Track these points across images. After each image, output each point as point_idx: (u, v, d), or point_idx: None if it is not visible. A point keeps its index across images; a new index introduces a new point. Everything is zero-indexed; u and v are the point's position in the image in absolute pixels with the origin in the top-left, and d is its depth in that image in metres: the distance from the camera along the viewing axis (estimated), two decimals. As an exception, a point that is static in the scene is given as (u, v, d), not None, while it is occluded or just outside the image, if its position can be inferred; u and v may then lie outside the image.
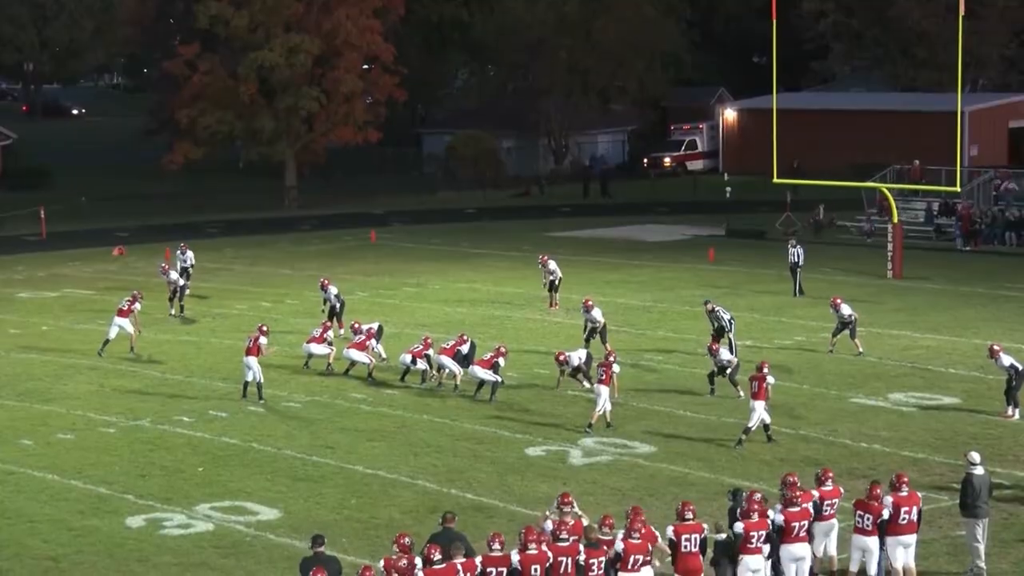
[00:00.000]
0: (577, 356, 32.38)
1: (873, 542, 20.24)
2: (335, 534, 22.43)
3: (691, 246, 55.85)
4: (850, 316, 35.32)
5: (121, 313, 36.54)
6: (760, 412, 27.69)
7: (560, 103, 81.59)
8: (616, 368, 29.79)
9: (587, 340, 35.74)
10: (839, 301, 35.88)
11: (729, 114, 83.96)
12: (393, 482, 25.92)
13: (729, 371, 31.59)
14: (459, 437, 28.82)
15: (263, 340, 32.03)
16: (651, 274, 48.97)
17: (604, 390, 29.10)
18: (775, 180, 49.91)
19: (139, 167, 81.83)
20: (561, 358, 32.14)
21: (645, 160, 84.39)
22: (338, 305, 38.52)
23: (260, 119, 72.64)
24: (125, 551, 22.58)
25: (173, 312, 41.31)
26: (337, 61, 72.93)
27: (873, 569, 20.31)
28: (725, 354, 32.14)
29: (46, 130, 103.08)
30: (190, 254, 44.94)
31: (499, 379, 31.73)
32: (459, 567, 18.16)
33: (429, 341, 33.61)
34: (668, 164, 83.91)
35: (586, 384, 31.81)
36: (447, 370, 32.62)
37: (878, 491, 20.32)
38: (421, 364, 33.02)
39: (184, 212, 66.73)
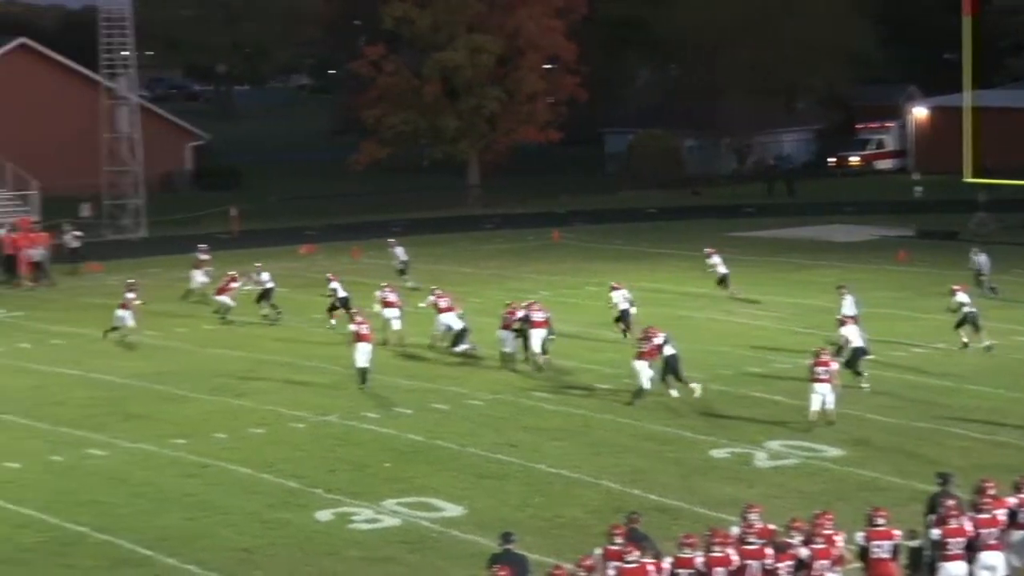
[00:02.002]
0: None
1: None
2: (519, 532, 22.40)
3: (879, 247, 54.89)
4: (964, 306, 34.64)
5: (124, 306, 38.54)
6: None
7: (743, 102, 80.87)
8: (669, 349, 30.76)
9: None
10: (958, 288, 35.42)
11: (920, 112, 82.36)
12: (576, 481, 25.92)
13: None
14: (642, 437, 28.72)
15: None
16: (838, 275, 48.00)
17: (642, 365, 30.18)
18: (967, 179, 48.82)
19: (326, 167, 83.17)
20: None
21: (832, 159, 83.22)
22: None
23: (444, 119, 73.30)
24: (315, 544, 22.93)
25: (264, 312, 41.61)
26: (520, 61, 73.27)
27: None
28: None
29: (237, 131, 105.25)
30: (400, 249, 47.13)
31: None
32: (650, 567, 18.11)
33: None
34: (855, 163, 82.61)
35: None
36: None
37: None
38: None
39: (369, 211, 67.63)
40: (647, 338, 31.42)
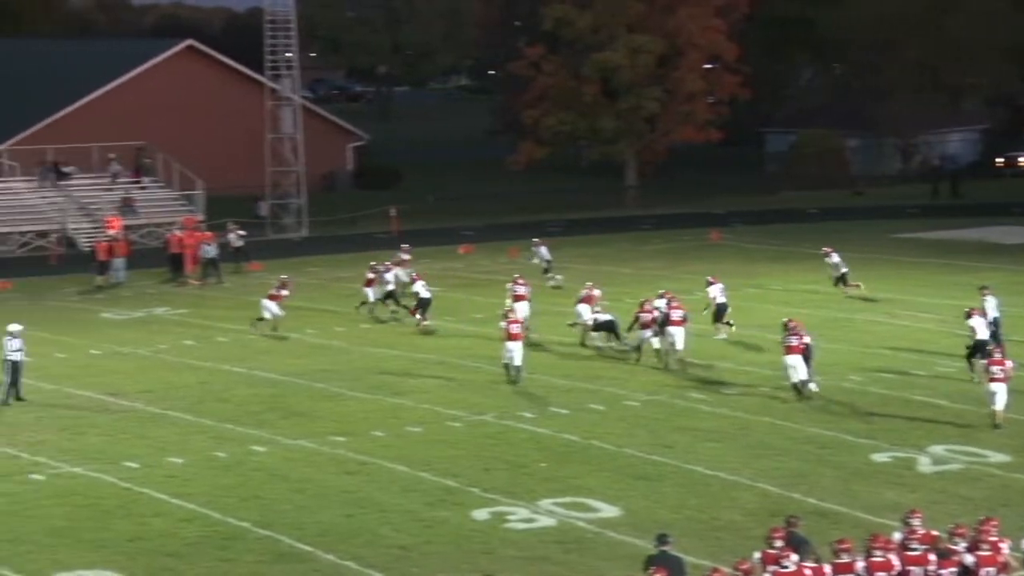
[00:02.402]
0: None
1: None
2: (676, 534, 22.21)
3: (1049, 249, 53.56)
4: None
5: (272, 298, 39.94)
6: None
7: (908, 101, 79.48)
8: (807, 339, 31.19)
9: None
10: None
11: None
12: (734, 484, 25.68)
13: None
14: (801, 440, 28.37)
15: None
16: (1004, 278, 46.99)
17: (794, 359, 30.77)
18: None
19: (484, 167, 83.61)
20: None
21: (1000, 159, 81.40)
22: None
23: (602, 119, 73.24)
24: (471, 543, 22.99)
25: (392, 310, 41.68)
26: (680, 61, 72.92)
27: None
28: None
29: (396, 131, 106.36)
30: (544, 249, 47.57)
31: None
32: (808, 572, 17.86)
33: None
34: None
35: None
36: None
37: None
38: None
39: (527, 211, 67.80)
40: (795, 332, 31.31)
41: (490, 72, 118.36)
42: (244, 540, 23.19)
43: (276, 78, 63.97)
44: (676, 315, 34.73)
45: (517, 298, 38.49)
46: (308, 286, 46.50)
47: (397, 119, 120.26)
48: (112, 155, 63.94)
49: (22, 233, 58.73)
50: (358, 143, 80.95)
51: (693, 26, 72.37)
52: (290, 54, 63.49)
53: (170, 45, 76.03)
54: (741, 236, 59.60)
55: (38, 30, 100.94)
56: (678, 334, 34.54)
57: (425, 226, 62.85)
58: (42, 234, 58.78)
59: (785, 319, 32.79)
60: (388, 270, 42.45)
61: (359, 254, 55.65)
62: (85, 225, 59.31)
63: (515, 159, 75.11)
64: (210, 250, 49.50)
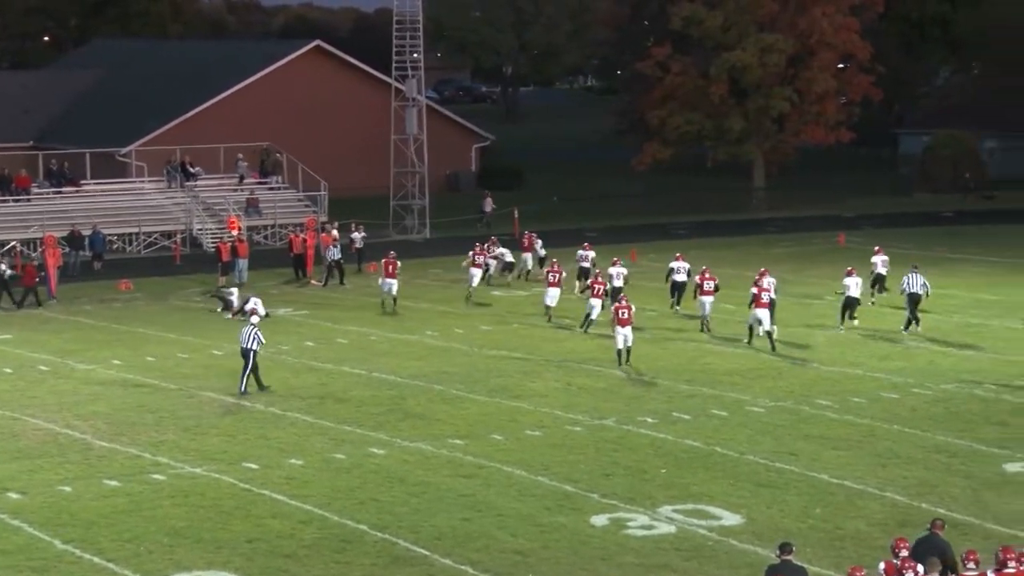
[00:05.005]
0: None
1: None
2: (799, 543, 21.72)
3: None
4: None
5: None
6: None
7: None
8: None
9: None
10: None
11: None
12: (860, 492, 25.07)
13: None
14: (930, 449, 27.65)
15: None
16: None
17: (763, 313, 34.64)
18: None
19: (608, 168, 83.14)
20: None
21: None
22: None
23: (730, 119, 72.39)
24: (589, 549, 22.65)
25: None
26: (811, 60, 71.84)
27: None
28: None
29: (521, 132, 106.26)
30: (591, 253, 47.88)
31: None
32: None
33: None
34: None
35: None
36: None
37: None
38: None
39: (651, 213, 67.23)
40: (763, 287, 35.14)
41: (617, 72, 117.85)
42: (360, 543, 23.04)
43: (402, 79, 63.99)
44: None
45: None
46: (429, 287, 46.37)
47: (522, 119, 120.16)
48: (240, 156, 64.47)
49: (147, 233, 59.35)
50: (482, 144, 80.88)
51: (826, 24, 71.20)
52: (417, 54, 63.48)
53: (298, 46, 76.42)
54: (871, 240, 58.39)
55: (168, 31, 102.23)
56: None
57: (547, 227, 62.46)
58: (167, 234, 59.41)
59: (762, 270, 36.27)
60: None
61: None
62: (210, 225, 59.82)
63: (640, 160, 74.48)
64: (334, 252, 49.60)
